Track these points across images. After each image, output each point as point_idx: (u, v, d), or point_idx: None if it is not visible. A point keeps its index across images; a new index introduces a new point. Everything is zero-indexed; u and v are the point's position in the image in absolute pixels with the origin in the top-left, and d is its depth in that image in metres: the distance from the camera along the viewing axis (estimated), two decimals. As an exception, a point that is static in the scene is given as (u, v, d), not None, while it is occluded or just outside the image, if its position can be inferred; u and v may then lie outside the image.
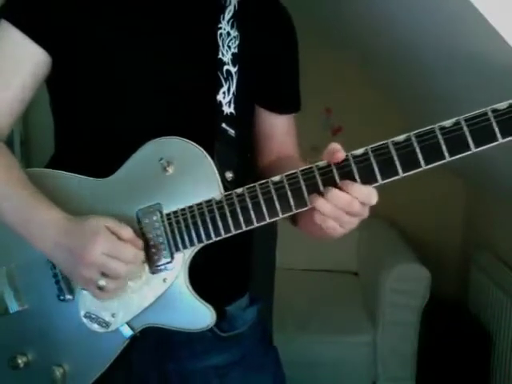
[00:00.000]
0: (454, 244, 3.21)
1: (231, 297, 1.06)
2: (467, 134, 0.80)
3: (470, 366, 2.54)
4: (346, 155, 0.84)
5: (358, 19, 2.25)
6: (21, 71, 0.98)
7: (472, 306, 2.84)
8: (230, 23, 1.03)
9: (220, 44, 1.01)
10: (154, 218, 0.91)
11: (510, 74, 1.32)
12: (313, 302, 2.77)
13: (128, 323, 0.94)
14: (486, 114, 0.80)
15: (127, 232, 0.88)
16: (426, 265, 2.48)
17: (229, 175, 0.95)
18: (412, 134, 0.82)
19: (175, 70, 0.99)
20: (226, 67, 1.01)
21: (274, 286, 1.72)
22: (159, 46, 0.98)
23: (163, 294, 0.92)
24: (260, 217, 0.88)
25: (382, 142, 0.84)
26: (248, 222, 0.89)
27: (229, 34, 1.02)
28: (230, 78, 1.01)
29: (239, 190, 0.89)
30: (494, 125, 0.80)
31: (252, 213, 0.88)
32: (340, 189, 0.84)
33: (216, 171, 0.90)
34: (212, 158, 0.91)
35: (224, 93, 1.00)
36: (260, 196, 0.88)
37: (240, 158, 1.01)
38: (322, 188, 0.85)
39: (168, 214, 0.91)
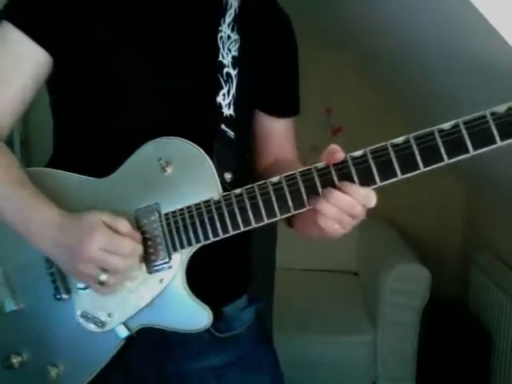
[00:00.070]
0: (454, 244, 3.20)
1: (229, 297, 1.06)
2: (466, 136, 0.80)
3: (470, 366, 2.54)
4: (345, 157, 0.84)
5: (358, 19, 2.25)
6: (22, 72, 0.98)
7: (472, 306, 2.83)
8: (230, 26, 1.03)
9: (220, 47, 1.01)
10: (153, 217, 0.91)
11: (510, 74, 1.32)
12: (313, 302, 2.77)
13: (124, 323, 0.94)
14: (484, 116, 0.80)
15: (124, 225, 0.88)
16: (425, 265, 2.47)
17: (228, 176, 0.95)
18: (411, 136, 0.82)
19: (175, 71, 0.99)
20: (226, 70, 1.01)
21: (274, 286, 1.72)
22: (159, 46, 0.98)
23: (160, 294, 0.92)
24: (258, 218, 0.88)
25: (380, 144, 0.83)
26: (246, 222, 0.88)
27: (229, 37, 1.02)
28: (229, 80, 1.01)
29: (238, 191, 0.89)
30: (493, 128, 0.79)
31: (250, 213, 0.88)
32: (339, 190, 0.84)
33: (215, 172, 0.90)
34: (211, 158, 0.91)
35: (224, 95, 1.00)
36: (258, 197, 0.87)
37: (239, 159, 1.01)
38: (320, 189, 0.85)
39: (166, 214, 0.91)
